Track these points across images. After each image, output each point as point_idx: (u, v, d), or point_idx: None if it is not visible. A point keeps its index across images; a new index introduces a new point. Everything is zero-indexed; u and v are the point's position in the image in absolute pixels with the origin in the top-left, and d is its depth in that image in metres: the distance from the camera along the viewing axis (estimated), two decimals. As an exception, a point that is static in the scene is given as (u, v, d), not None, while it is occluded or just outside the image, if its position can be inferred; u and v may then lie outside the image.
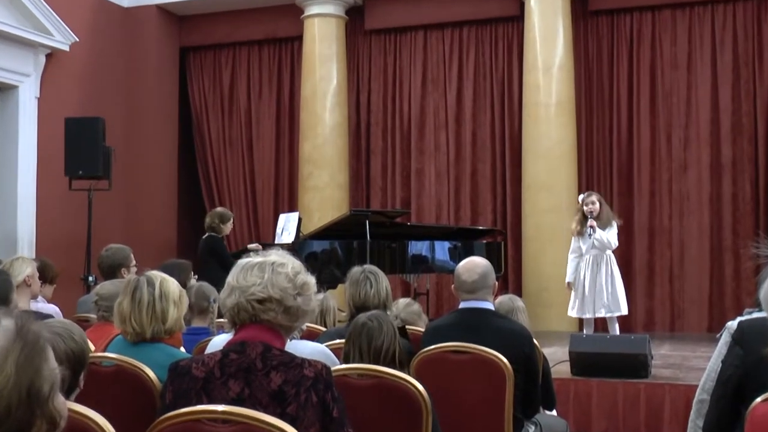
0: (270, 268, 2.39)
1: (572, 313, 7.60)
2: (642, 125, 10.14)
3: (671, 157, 10.01)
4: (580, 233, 7.44)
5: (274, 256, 2.45)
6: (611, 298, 7.37)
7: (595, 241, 7.31)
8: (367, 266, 4.12)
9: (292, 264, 2.44)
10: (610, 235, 7.36)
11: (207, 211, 11.89)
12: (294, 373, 2.27)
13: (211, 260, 8.05)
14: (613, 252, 7.54)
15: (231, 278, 2.43)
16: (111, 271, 5.24)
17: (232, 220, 8.38)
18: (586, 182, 10.22)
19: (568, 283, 7.64)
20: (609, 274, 7.41)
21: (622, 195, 10.20)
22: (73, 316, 4.93)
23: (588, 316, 7.45)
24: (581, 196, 7.57)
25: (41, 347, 1.37)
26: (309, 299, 2.43)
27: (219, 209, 8.63)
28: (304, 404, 2.24)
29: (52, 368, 1.38)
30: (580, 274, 7.48)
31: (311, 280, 2.47)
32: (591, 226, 7.27)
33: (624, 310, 7.47)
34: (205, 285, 4.57)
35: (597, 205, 7.36)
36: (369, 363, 3.03)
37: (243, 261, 2.46)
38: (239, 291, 2.38)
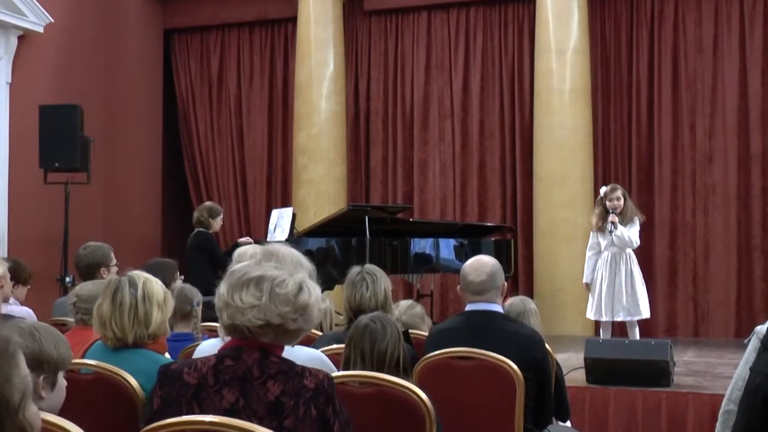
0: (268, 286, 2.33)
1: (590, 315, 7.59)
2: (663, 113, 10.13)
3: (695, 148, 10.00)
4: (600, 229, 7.42)
5: (272, 269, 2.38)
6: (631, 300, 7.34)
7: (615, 239, 7.29)
8: (366, 266, 4.12)
9: (294, 281, 2.36)
10: (632, 233, 7.33)
11: (194, 206, 11.90)
12: (293, 383, 2.27)
13: (201, 257, 8.07)
14: (634, 251, 7.53)
15: (224, 291, 2.37)
16: (89, 271, 5.23)
17: (222, 216, 8.45)
18: (602, 175, 10.21)
19: (586, 283, 7.63)
20: (629, 274, 7.38)
21: (642, 189, 10.19)
22: (49, 320, 4.92)
23: (605, 319, 7.44)
24: (604, 189, 7.53)
25: (11, 353, 1.35)
26: (310, 317, 2.39)
27: (208, 203, 8.71)
28: (302, 418, 2.24)
29: (23, 375, 1.37)
30: (598, 273, 7.46)
31: (313, 298, 2.39)
32: (612, 222, 7.24)
33: (645, 314, 7.44)
34: (188, 287, 4.56)
35: (622, 200, 7.34)
36: (372, 368, 3.03)
37: (238, 268, 2.40)
38: (234, 310, 2.33)
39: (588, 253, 7.63)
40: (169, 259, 5.58)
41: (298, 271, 2.45)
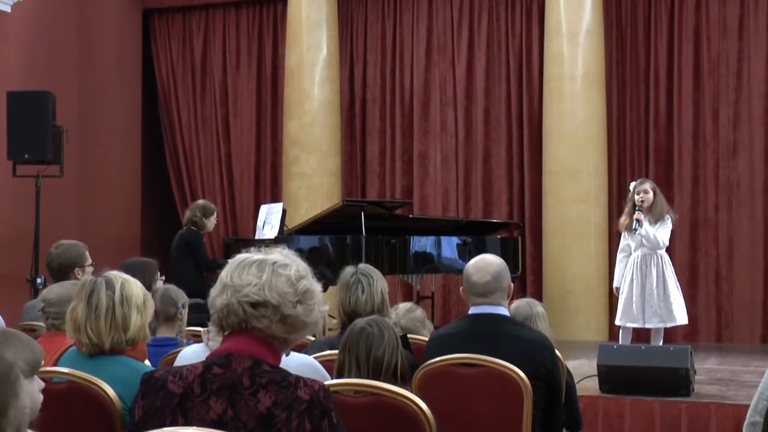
0: (270, 267, 2.38)
1: (619, 321, 7.53)
2: (684, 101, 10.13)
3: (718, 139, 10.01)
4: (629, 228, 7.38)
5: (278, 254, 2.44)
6: (663, 305, 7.30)
7: (641, 237, 7.27)
8: (361, 266, 4.13)
9: (297, 266, 2.42)
10: (661, 232, 7.28)
11: (176, 201, 11.97)
12: (286, 394, 2.27)
13: (186, 257, 8.12)
14: (669, 251, 7.49)
15: (224, 275, 2.41)
16: (62, 271, 5.23)
17: (216, 215, 8.61)
18: (617, 168, 10.23)
19: (616, 288, 7.61)
20: (661, 277, 7.33)
21: (661, 183, 10.12)
22: (18, 325, 4.93)
23: (636, 325, 7.39)
24: (633, 184, 7.52)
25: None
26: (311, 309, 2.41)
27: (201, 201, 8.81)
28: (295, 431, 2.24)
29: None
30: (627, 276, 7.43)
31: (317, 288, 2.45)
32: (637, 220, 7.21)
33: (681, 320, 7.39)
34: (172, 288, 4.57)
35: (650, 194, 7.30)
36: (367, 376, 3.04)
37: (240, 256, 2.44)
38: (232, 290, 2.36)
39: (619, 256, 7.61)
40: (149, 259, 5.58)
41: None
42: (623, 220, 7.49)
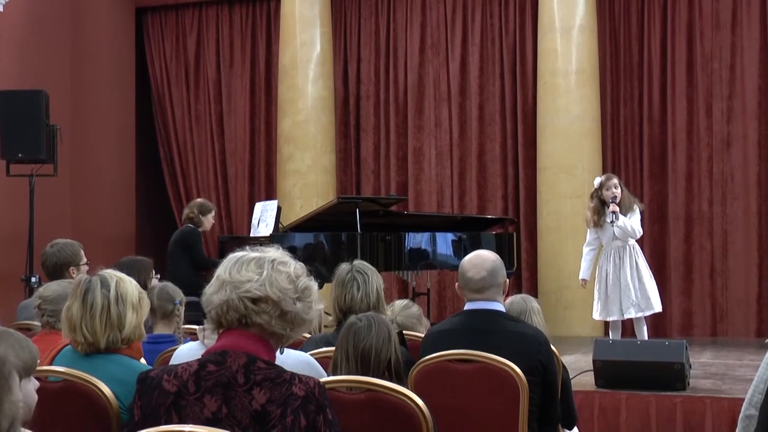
0: (270, 264, 2.40)
1: (596, 315, 7.61)
2: (677, 96, 10.14)
3: (712, 133, 10.02)
4: (597, 224, 7.45)
5: (274, 252, 2.46)
6: (640, 294, 7.36)
7: (617, 230, 7.32)
8: (357, 263, 4.13)
9: (295, 264, 2.45)
10: (634, 222, 7.36)
11: (170, 199, 11.97)
12: (280, 391, 2.27)
13: (182, 254, 8.13)
14: (638, 241, 7.54)
15: (222, 271, 2.42)
16: (57, 270, 5.24)
17: (213, 213, 8.70)
18: (611, 163, 10.23)
19: (583, 280, 7.66)
20: (634, 267, 7.40)
21: (654, 177, 10.21)
22: (13, 324, 4.92)
23: (614, 318, 7.46)
24: (598, 180, 7.57)
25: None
26: (309, 307, 2.44)
27: (199, 200, 8.95)
28: (290, 428, 2.24)
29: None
30: (602, 270, 7.49)
31: (314, 286, 2.48)
32: (613, 212, 7.25)
33: (657, 308, 7.46)
34: (170, 285, 4.58)
35: (619, 189, 7.36)
36: (356, 370, 3.04)
37: (237, 254, 2.46)
38: (231, 286, 2.37)
39: (585, 249, 7.66)
40: (144, 257, 5.59)
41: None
42: (590, 216, 7.52)
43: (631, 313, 7.38)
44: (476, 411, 3.62)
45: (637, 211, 7.46)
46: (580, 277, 7.69)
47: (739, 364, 7.45)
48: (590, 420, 6.04)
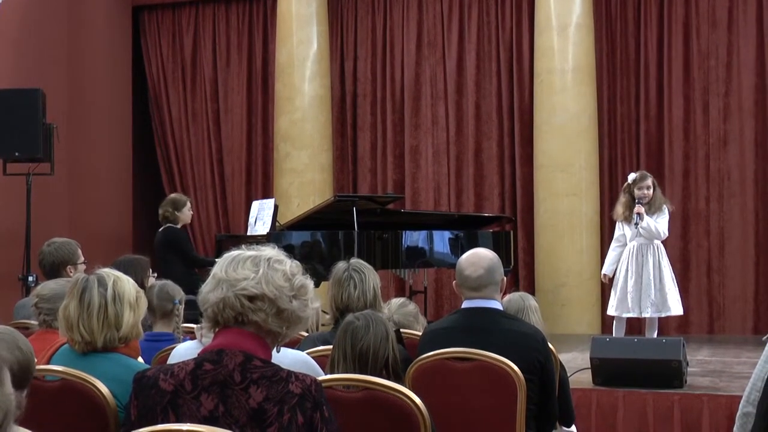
0: (266, 262, 2.41)
1: (612, 311, 7.56)
2: (674, 93, 10.15)
3: (708, 131, 10.03)
4: (627, 218, 7.41)
5: (270, 251, 2.47)
6: (659, 295, 7.33)
7: (642, 230, 7.30)
8: (353, 261, 4.14)
9: (291, 263, 2.46)
10: (660, 224, 7.33)
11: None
12: (277, 389, 2.28)
13: (171, 255, 8.08)
14: (663, 242, 7.53)
15: (218, 270, 2.43)
16: (54, 269, 5.23)
17: (189, 205, 8.51)
18: (608, 160, 10.24)
19: (605, 274, 7.65)
20: (657, 267, 7.36)
21: (651, 175, 10.19)
22: (10, 323, 4.91)
23: (632, 315, 7.42)
24: (632, 176, 7.49)
25: None
26: (305, 305, 2.45)
27: (170, 196, 8.74)
28: (287, 426, 2.25)
29: (7, 394, 1.35)
30: (623, 266, 7.45)
31: (310, 284, 2.49)
32: (638, 213, 7.23)
33: (676, 310, 7.43)
34: (169, 284, 4.58)
35: (651, 190, 7.35)
36: (354, 369, 3.04)
37: (233, 252, 2.47)
38: (227, 284, 2.38)
39: (612, 245, 7.63)
40: (141, 256, 5.58)
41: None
42: (621, 210, 7.49)
43: (648, 312, 7.35)
44: (474, 409, 3.62)
45: (666, 212, 7.43)
46: (603, 272, 7.68)
47: (737, 362, 7.46)
48: (588, 418, 6.04)
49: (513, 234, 9.44)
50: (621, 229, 7.54)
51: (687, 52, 10.15)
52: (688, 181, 10.08)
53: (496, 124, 10.81)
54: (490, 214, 10.00)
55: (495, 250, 4.22)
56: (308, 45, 11.00)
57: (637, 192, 7.34)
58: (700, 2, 10.11)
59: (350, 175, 11.41)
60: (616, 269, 7.54)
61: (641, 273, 7.36)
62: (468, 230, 8.92)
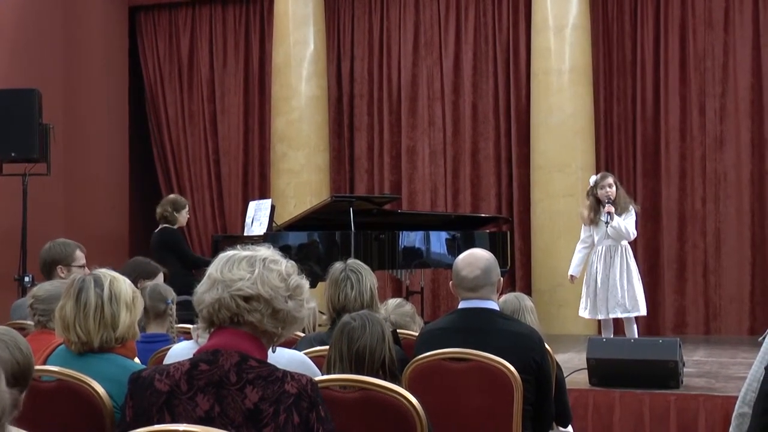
0: (261, 263, 2.41)
1: (584, 313, 7.64)
2: (670, 94, 10.15)
3: (705, 132, 10.04)
4: (593, 221, 7.47)
5: (265, 251, 2.47)
6: (627, 295, 7.39)
7: (610, 230, 7.33)
8: (351, 261, 4.14)
9: (286, 263, 2.46)
10: (628, 223, 7.39)
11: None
12: (273, 389, 2.28)
13: (168, 256, 8.06)
14: (630, 243, 7.56)
15: (213, 270, 2.43)
16: (46, 268, 5.21)
17: (187, 208, 8.51)
18: (605, 161, 10.24)
19: (572, 276, 7.70)
20: (624, 268, 7.42)
21: (648, 176, 10.22)
22: (7, 324, 4.91)
23: (601, 316, 7.51)
24: (593, 178, 7.60)
25: None
26: (301, 305, 2.45)
27: (171, 196, 8.72)
28: (283, 425, 2.25)
29: (2, 391, 1.35)
30: (592, 268, 7.52)
31: (306, 284, 2.49)
32: (609, 213, 7.28)
33: (642, 310, 7.50)
34: (161, 285, 4.58)
35: (614, 189, 7.39)
36: (350, 369, 3.04)
37: (229, 253, 2.47)
38: (223, 285, 2.38)
39: (578, 247, 7.69)
40: (151, 261, 5.58)
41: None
42: (586, 213, 7.54)
43: (616, 313, 7.43)
44: (470, 409, 3.62)
45: (633, 212, 7.48)
46: (570, 272, 7.73)
47: (733, 362, 7.47)
48: (584, 418, 6.04)
49: (510, 234, 9.46)
50: (588, 231, 7.60)
51: (683, 53, 10.16)
52: (685, 182, 10.08)
53: (492, 124, 10.81)
54: (487, 215, 10.00)
55: (492, 250, 4.22)
56: (305, 45, 11.00)
57: (599, 192, 7.39)
58: (696, 3, 10.12)
59: (347, 176, 11.41)
60: (584, 271, 7.61)
61: (608, 274, 7.42)
62: (465, 231, 8.92)
